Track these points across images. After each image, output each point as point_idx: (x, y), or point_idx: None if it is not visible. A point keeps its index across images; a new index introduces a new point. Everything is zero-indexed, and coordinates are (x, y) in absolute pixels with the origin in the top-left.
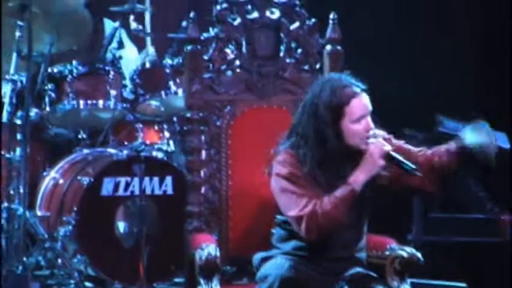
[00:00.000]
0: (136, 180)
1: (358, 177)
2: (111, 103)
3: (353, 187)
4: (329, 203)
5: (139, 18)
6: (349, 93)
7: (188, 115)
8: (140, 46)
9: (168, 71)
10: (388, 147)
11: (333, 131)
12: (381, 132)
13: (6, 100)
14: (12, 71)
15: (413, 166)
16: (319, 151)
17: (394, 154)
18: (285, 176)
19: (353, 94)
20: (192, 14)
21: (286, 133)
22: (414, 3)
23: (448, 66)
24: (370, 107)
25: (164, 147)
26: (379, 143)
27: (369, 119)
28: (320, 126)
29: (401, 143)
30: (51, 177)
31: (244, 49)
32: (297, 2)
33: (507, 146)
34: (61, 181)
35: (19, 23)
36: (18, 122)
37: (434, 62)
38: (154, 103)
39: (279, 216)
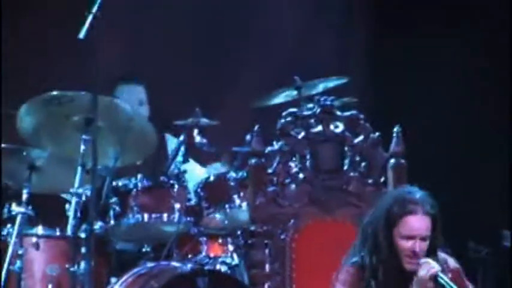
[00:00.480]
0: None
1: None
2: (176, 216)
3: None
4: None
5: (204, 132)
6: (408, 208)
7: (252, 228)
8: (204, 160)
9: (232, 184)
10: (436, 268)
11: (385, 236)
12: (433, 262)
13: (70, 214)
14: (76, 184)
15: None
16: (375, 259)
17: (441, 276)
18: None
19: (411, 211)
20: (256, 127)
21: (350, 249)
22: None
23: None
24: (423, 232)
25: (228, 261)
26: (428, 264)
27: (418, 242)
28: (376, 230)
29: (464, 279)
30: None
31: (308, 163)
32: (361, 116)
33: None
34: None
35: (84, 136)
36: (83, 235)
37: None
38: (218, 216)
39: None
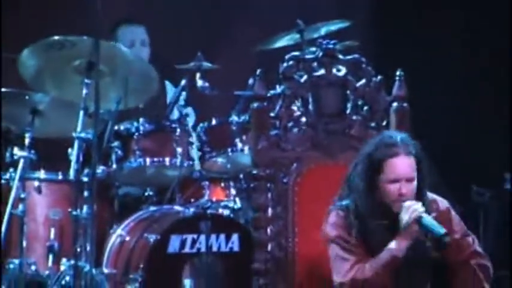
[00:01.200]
0: (202, 237)
1: (399, 243)
2: (178, 161)
3: (394, 253)
4: (370, 269)
5: (206, 76)
6: (391, 151)
7: (254, 172)
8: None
9: (234, 128)
10: (419, 211)
11: (370, 184)
12: (415, 205)
13: (73, 158)
14: (79, 128)
15: (441, 231)
16: (362, 206)
17: (424, 218)
18: (333, 239)
19: (394, 153)
20: (258, 71)
21: (339, 191)
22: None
23: None
24: (408, 173)
25: (231, 205)
26: (409, 207)
27: (404, 184)
28: (360, 179)
29: (456, 219)
30: (118, 234)
31: (310, 106)
32: (363, 59)
33: None
34: (127, 238)
35: (86, 80)
36: (85, 179)
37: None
38: (220, 160)
39: (335, 277)
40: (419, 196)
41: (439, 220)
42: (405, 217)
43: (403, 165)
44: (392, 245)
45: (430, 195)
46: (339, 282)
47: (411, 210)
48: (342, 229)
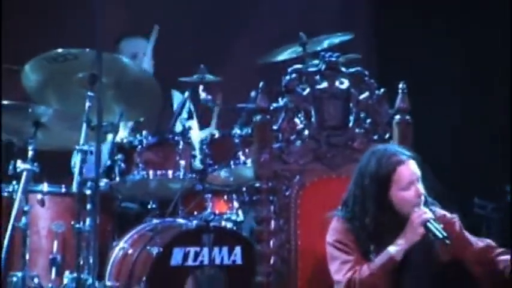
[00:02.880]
0: (205, 250)
1: (399, 245)
2: (181, 173)
3: (392, 255)
4: (368, 270)
5: (209, 89)
6: (395, 161)
7: (257, 185)
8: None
9: (237, 141)
10: (428, 215)
11: (377, 203)
12: (427, 210)
13: (76, 170)
14: (81, 141)
15: (444, 234)
16: (370, 223)
17: (431, 223)
18: (332, 243)
19: (399, 161)
20: (261, 84)
21: (341, 202)
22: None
23: None
24: (418, 173)
25: (233, 217)
26: (420, 211)
27: (419, 185)
28: (365, 199)
29: (462, 230)
30: (121, 247)
31: (313, 119)
32: (366, 72)
33: None
34: (130, 251)
35: (89, 93)
36: (88, 192)
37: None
38: (223, 173)
39: (333, 276)
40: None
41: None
42: (416, 219)
43: (411, 167)
44: (392, 247)
45: (439, 211)
46: (336, 281)
47: (422, 212)
48: (341, 234)
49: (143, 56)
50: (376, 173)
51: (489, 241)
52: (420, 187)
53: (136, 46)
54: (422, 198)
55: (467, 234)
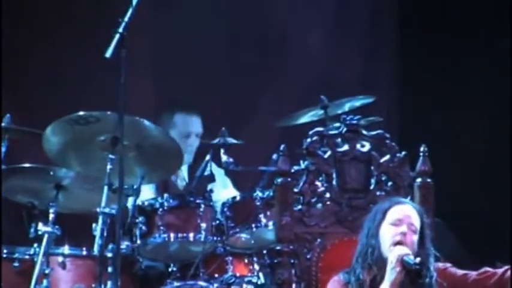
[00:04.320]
0: None
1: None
2: (202, 236)
3: None
4: None
5: (230, 151)
6: (393, 201)
7: (278, 248)
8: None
9: (258, 203)
10: (403, 252)
11: (376, 235)
12: (404, 248)
13: (97, 233)
14: (103, 203)
15: (416, 261)
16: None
17: (408, 257)
18: None
19: (397, 202)
20: (282, 147)
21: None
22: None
23: None
24: (412, 218)
25: (254, 280)
26: (398, 249)
27: (408, 230)
28: (362, 251)
29: (457, 271)
30: None
31: (334, 182)
32: (387, 135)
33: None
34: None
35: (110, 156)
36: (109, 254)
37: None
38: (244, 236)
39: None
40: (421, 251)
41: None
42: (391, 256)
43: (407, 208)
44: None
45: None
46: None
47: (398, 250)
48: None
49: (196, 137)
50: (374, 212)
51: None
52: (408, 233)
53: (191, 125)
54: (406, 239)
55: (462, 271)
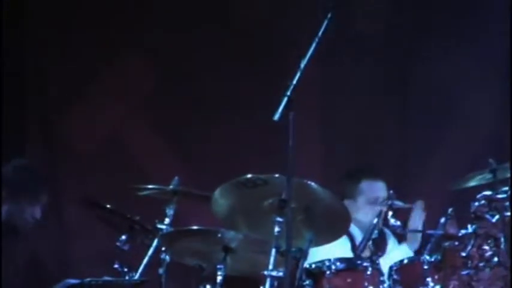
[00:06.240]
0: None
1: None
2: None
3: None
4: None
5: (397, 214)
6: None
7: None
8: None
9: (426, 267)
10: None
11: None
12: None
13: None
14: (270, 266)
15: None
16: None
17: None
18: None
19: None
20: (450, 210)
21: None
22: None
23: None
24: None
25: None
26: None
27: None
28: None
29: None
30: None
31: (502, 246)
32: None
33: None
34: None
35: (278, 218)
36: None
37: None
38: None
39: None
40: None
41: None
42: None
43: None
44: None
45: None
46: None
47: None
48: None
49: (383, 200)
50: None
51: None
52: None
53: (378, 190)
54: None
55: None
